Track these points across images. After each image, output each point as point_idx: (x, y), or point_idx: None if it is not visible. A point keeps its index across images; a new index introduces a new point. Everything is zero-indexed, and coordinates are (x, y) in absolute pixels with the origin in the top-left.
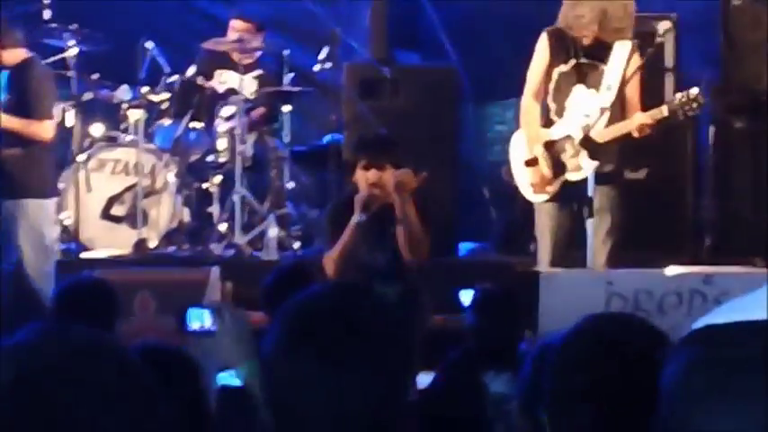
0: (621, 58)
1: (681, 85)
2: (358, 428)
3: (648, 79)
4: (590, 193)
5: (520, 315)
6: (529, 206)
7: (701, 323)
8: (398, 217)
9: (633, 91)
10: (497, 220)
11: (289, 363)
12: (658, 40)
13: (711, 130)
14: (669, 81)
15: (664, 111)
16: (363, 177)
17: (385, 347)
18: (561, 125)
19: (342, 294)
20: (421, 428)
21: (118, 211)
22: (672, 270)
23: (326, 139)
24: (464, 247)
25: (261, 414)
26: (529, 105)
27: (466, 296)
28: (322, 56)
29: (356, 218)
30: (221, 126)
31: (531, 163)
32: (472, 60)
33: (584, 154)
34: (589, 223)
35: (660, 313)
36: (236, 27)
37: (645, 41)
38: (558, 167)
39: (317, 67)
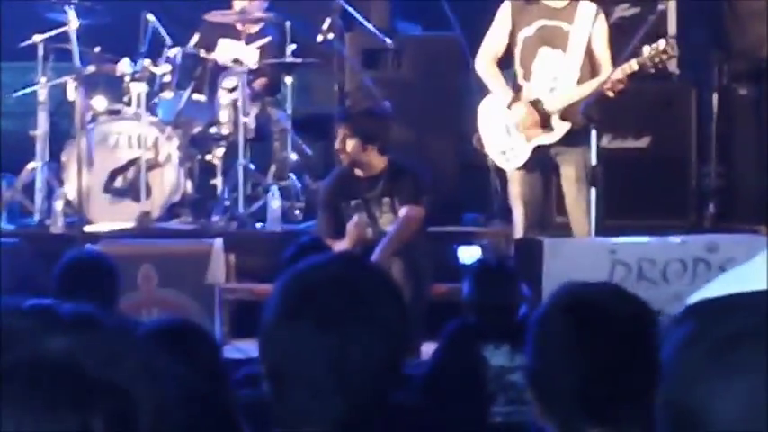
0: (587, 19)
1: (683, 53)
2: (358, 398)
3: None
4: (594, 161)
5: (517, 285)
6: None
7: (695, 297)
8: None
9: (602, 50)
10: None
11: (288, 332)
12: (660, 7)
13: (714, 97)
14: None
15: (633, 65)
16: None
17: (385, 316)
18: (529, 89)
19: (341, 264)
20: (423, 403)
21: (120, 184)
22: (675, 238)
23: (329, 109)
24: (468, 216)
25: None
26: (491, 70)
27: (464, 253)
28: (324, 26)
29: (355, 218)
30: (224, 98)
31: (515, 100)
32: (475, 30)
33: (555, 117)
34: (593, 192)
35: (664, 281)
36: None
37: (646, 9)
38: (530, 132)
39: (319, 38)
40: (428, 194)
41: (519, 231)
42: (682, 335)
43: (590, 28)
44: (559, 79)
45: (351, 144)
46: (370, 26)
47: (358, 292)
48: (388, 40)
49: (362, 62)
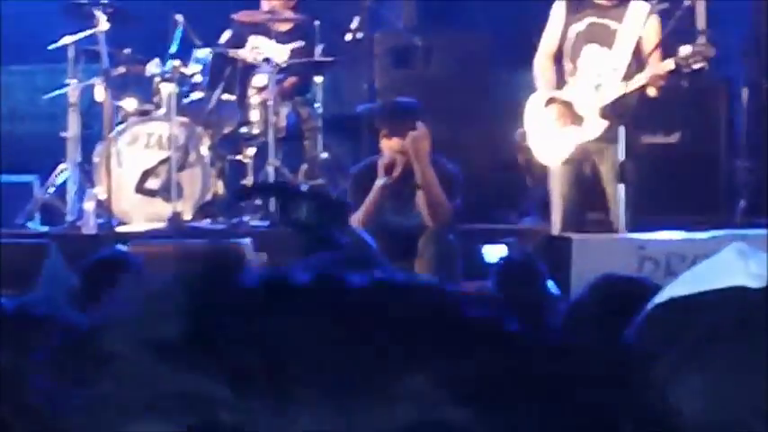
0: (637, 18)
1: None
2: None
3: (679, 42)
4: (620, 156)
5: (542, 283)
6: (545, 171)
7: (663, 297)
8: (418, 181)
9: (651, 50)
10: (530, 187)
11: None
12: (686, 3)
13: (745, 91)
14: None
15: (670, 63)
16: (386, 145)
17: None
18: (574, 85)
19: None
20: None
21: (152, 184)
22: (704, 233)
23: (359, 108)
24: (499, 213)
25: None
26: (543, 66)
27: (489, 251)
28: (353, 25)
29: (380, 181)
30: (254, 98)
31: (552, 101)
32: (504, 27)
33: (596, 114)
34: (620, 188)
35: None
36: None
37: (674, 4)
38: (572, 128)
39: (348, 37)
40: (461, 195)
41: (557, 227)
42: (651, 334)
43: (640, 28)
44: (604, 76)
45: (426, 144)
46: (399, 25)
47: None
48: (416, 38)
49: (392, 60)
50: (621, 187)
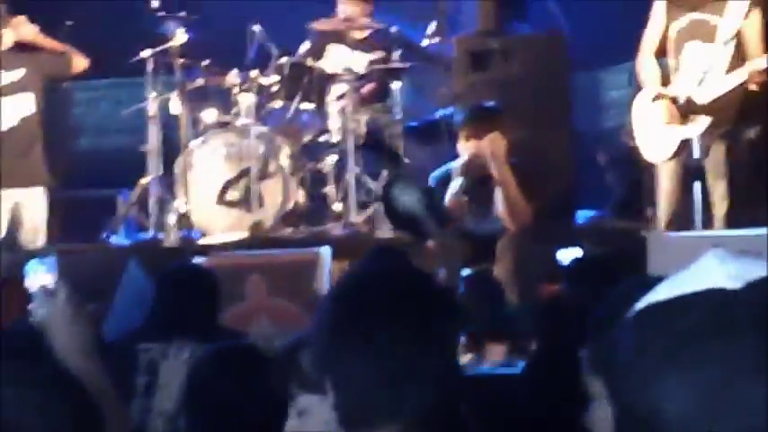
0: (738, 12)
1: None
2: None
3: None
4: (696, 154)
5: (614, 283)
6: (650, 168)
7: (642, 303)
8: (496, 182)
9: (754, 43)
10: (614, 187)
11: (334, 340)
12: None
13: None
14: None
15: (764, 61)
16: (464, 148)
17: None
18: (678, 82)
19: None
20: (522, 406)
21: (233, 195)
22: None
23: (439, 113)
24: (582, 214)
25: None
26: (647, 64)
27: (565, 254)
28: (430, 30)
29: (456, 183)
30: (332, 106)
31: (659, 97)
32: (582, 26)
33: (701, 110)
34: (696, 186)
35: None
36: (346, 1)
37: None
38: (677, 125)
39: (425, 42)
40: (541, 199)
41: (661, 226)
42: (633, 339)
43: (741, 20)
44: (708, 72)
45: (501, 145)
46: (476, 28)
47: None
48: (493, 41)
49: (470, 64)
50: (697, 185)
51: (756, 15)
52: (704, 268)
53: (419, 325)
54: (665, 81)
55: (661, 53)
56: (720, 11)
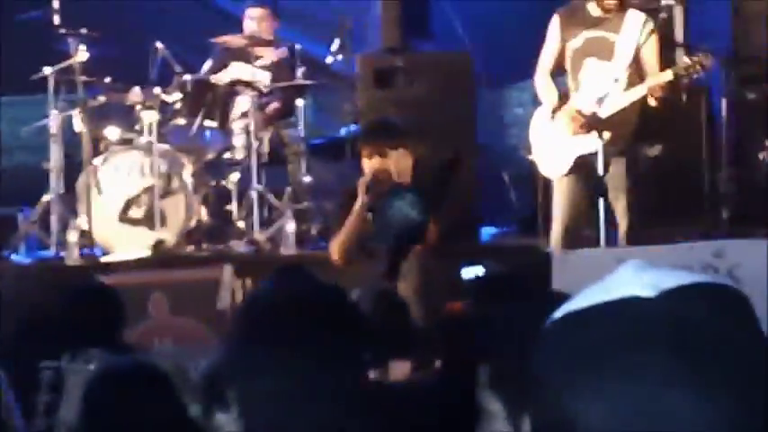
0: (634, 28)
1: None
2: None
3: (661, 54)
4: (600, 171)
5: (521, 298)
6: (548, 184)
7: (560, 312)
8: None
9: (651, 59)
10: (518, 203)
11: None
12: (663, 15)
13: (724, 102)
14: (680, 55)
15: (669, 74)
16: (368, 165)
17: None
18: (577, 99)
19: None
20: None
21: (135, 213)
22: (684, 244)
23: (343, 130)
24: (486, 231)
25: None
26: (544, 83)
27: (468, 271)
28: (334, 47)
29: (359, 201)
30: (236, 123)
31: (558, 113)
32: (486, 45)
33: (599, 126)
34: (600, 202)
35: None
36: (253, 15)
37: (651, 17)
38: (575, 141)
39: (329, 59)
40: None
41: (555, 244)
42: (548, 350)
43: (638, 37)
44: (606, 89)
45: (407, 162)
46: (380, 45)
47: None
48: (398, 58)
49: (374, 81)
50: (601, 201)
51: (651, 29)
52: (620, 278)
53: (320, 343)
54: (564, 98)
55: (560, 71)
56: (617, 28)
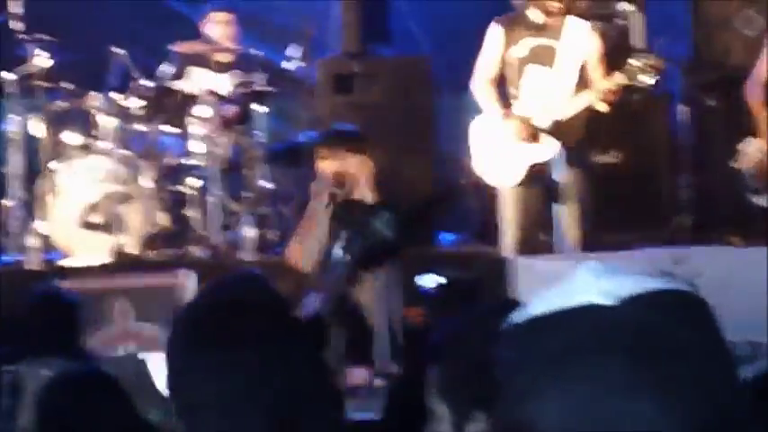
0: (576, 34)
1: None
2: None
3: (618, 60)
4: (555, 177)
5: (475, 304)
6: (495, 193)
7: (520, 316)
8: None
9: (594, 65)
10: (475, 210)
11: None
12: (621, 22)
13: (683, 108)
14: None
15: (616, 78)
16: (323, 168)
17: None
18: (520, 107)
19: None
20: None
21: (95, 218)
22: (642, 251)
23: (302, 136)
24: (443, 237)
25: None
26: (484, 91)
27: (425, 280)
28: (293, 53)
29: (318, 206)
30: (195, 129)
31: (505, 120)
32: (446, 49)
33: (546, 134)
34: (555, 208)
35: None
36: (218, 19)
37: (609, 23)
38: (523, 149)
39: (288, 65)
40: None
41: (509, 250)
42: (508, 355)
43: (580, 43)
44: (549, 97)
45: (367, 168)
46: (339, 50)
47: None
48: (356, 64)
49: (333, 87)
50: (556, 207)
51: (595, 38)
52: (579, 283)
53: (269, 349)
54: (506, 106)
55: (502, 78)
56: (558, 35)
